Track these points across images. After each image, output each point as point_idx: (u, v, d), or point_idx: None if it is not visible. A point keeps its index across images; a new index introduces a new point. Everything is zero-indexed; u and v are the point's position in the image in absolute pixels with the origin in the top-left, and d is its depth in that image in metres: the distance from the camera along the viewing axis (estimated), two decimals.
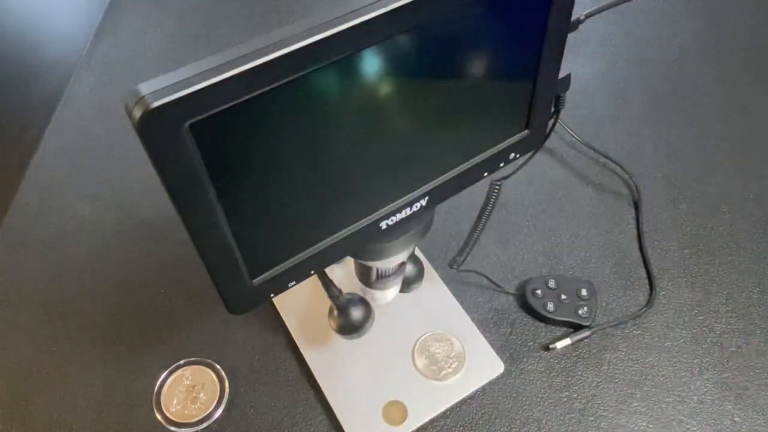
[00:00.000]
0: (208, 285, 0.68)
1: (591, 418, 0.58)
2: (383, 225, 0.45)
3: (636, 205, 0.72)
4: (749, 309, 0.64)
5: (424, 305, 0.64)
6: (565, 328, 0.63)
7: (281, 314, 0.64)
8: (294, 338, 0.63)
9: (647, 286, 0.66)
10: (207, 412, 0.59)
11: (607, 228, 0.71)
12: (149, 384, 0.61)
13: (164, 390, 0.60)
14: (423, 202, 0.46)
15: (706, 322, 0.63)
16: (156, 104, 0.28)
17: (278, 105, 0.32)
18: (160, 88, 0.29)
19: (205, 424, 0.58)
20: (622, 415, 0.58)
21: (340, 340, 0.62)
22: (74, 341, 0.64)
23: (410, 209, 0.45)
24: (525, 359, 0.62)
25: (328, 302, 0.57)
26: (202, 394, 0.60)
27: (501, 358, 0.61)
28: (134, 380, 0.61)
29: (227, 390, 0.60)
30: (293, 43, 0.30)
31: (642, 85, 0.84)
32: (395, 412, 0.58)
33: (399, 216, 0.45)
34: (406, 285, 0.62)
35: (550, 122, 0.50)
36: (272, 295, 0.43)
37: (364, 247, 0.47)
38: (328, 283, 0.54)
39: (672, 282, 0.66)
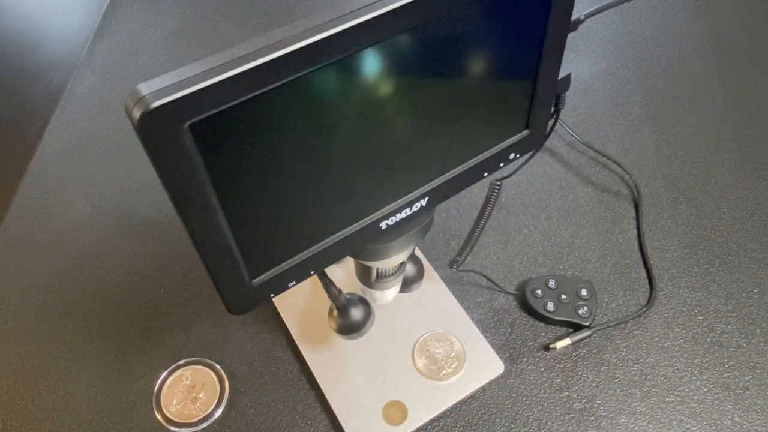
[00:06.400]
0: (208, 285, 0.68)
1: (591, 418, 0.58)
2: (383, 225, 0.45)
3: (636, 205, 0.72)
4: (749, 309, 0.64)
5: (424, 305, 0.64)
6: (565, 328, 0.63)
7: (281, 314, 0.64)
8: (294, 338, 0.63)
9: (647, 286, 0.66)
10: (207, 412, 0.59)
11: (607, 228, 0.71)
12: (149, 384, 0.61)
13: (164, 390, 0.60)
14: (423, 203, 0.46)
15: (706, 322, 0.63)
16: (156, 104, 0.28)
17: (278, 105, 0.32)
18: (160, 88, 0.28)
19: (205, 424, 0.58)
20: (622, 415, 0.58)
21: (340, 340, 0.62)
22: (74, 341, 0.64)
23: (410, 209, 0.45)
24: (525, 359, 0.62)
25: (328, 302, 0.57)
26: (202, 394, 0.60)
27: (501, 358, 0.61)
28: (134, 380, 0.61)
29: (227, 390, 0.60)
30: (293, 43, 0.30)
31: (642, 85, 0.84)
32: (395, 412, 0.58)
33: (399, 216, 0.45)
34: (406, 285, 0.62)
35: (550, 122, 0.50)
36: (272, 295, 0.43)
37: (364, 247, 0.47)
38: (328, 283, 0.54)
39: (672, 282, 0.66)
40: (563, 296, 0.64)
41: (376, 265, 0.53)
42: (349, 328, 0.57)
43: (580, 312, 0.63)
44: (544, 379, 0.60)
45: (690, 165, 0.76)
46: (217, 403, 0.59)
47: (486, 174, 0.48)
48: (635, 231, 0.70)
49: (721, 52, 0.88)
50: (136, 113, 0.28)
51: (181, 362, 0.62)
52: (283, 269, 0.41)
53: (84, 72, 0.89)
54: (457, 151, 0.45)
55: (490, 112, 0.44)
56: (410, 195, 0.44)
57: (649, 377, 0.60)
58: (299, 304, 0.65)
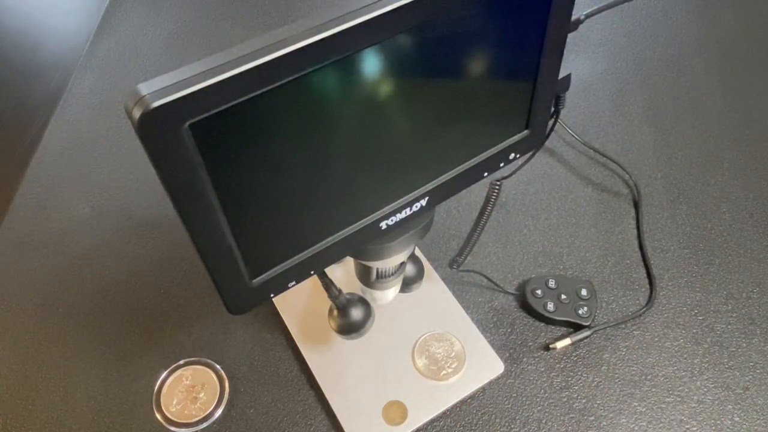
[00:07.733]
0: (208, 285, 0.68)
1: (591, 418, 0.58)
2: (383, 225, 0.45)
3: (636, 205, 0.72)
4: (749, 309, 0.64)
5: (424, 305, 0.64)
6: (565, 328, 0.63)
7: (281, 314, 0.64)
8: (294, 338, 0.63)
9: (647, 286, 0.66)
10: (207, 412, 0.59)
11: (607, 228, 0.71)
12: (149, 384, 0.61)
13: (164, 390, 0.60)
14: (423, 203, 0.46)
15: (706, 322, 0.63)
16: (156, 104, 0.28)
17: (278, 105, 0.32)
18: (160, 88, 0.28)
19: (204, 424, 0.58)
20: (622, 415, 0.58)
21: (340, 340, 0.62)
22: (74, 341, 0.64)
23: (410, 209, 0.45)
24: (525, 359, 0.62)
25: (328, 302, 0.57)
26: (202, 394, 0.60)
27: (501, 358, 0.61)
28: (134, 380, 0.61)
29: (227, 390, 0.60)
30: (293, 43, 0.30)
31: (642, 85, 0.84)
32: (395, 412, 0.58)
33: (399, 216, 0.45)
34: (406, 285, 0.62)
35: (550, 122, 0.50)
36: (272, 295, 0.43)
37: (364, 247, 0.47)
38: (328, 283, 0.54)
39: (672, 282, 0.66)
40: (563, 296, 0.64)
41: (376, 265, 0.53)
42: (349, 328, 0.57)
43: (580, 312, 0.63)
44: (544, 379, 0.60)
45: (690, 165, 0.76)
46: (217, 403, 0.59)
47: (486, 174, 0.48)
48: (635, 231, 0.70)
49: (721, 52, 0.88)
50: (136, 113, 0.28)
51: (181, 362, 0.62)
52: (283, 269, 0.41)
53: (84, 72, 0.89)
54: (457, 151, 0.45)
55: (490, 112, 0.44)
56: (410, 195, 0.44)
57: (649, 377, 0.60)
58: (299, 304, 0.65)
